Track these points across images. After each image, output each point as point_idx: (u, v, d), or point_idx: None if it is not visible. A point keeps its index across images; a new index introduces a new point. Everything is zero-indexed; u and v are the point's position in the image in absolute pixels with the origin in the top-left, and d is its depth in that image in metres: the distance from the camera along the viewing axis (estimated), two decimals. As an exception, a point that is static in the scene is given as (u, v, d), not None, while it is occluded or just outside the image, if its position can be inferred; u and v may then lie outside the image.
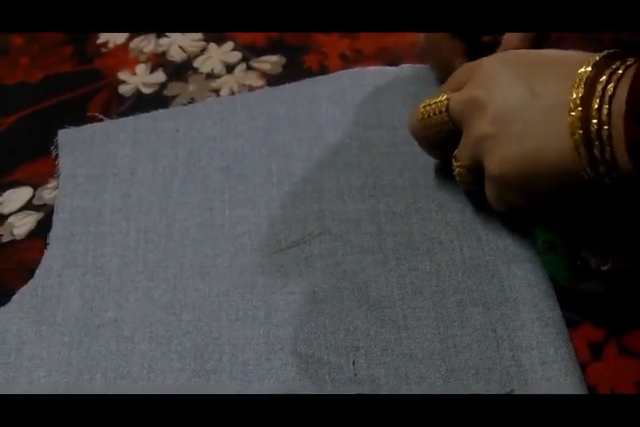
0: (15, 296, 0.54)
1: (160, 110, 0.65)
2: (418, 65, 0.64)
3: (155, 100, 0.67)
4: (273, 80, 0.67)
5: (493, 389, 0.46)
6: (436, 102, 0.51)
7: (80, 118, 0.66)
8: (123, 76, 0.70)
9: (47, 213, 0.60)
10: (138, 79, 0.70)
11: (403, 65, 0.65)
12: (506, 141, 0.44)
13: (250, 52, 0.70)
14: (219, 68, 0.69)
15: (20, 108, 0.69)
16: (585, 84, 0.40)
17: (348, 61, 0.67)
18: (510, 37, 0.54)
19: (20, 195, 0.62)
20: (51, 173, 0.63)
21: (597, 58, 0.41)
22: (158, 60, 0.71)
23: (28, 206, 0.61)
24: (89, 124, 0.65)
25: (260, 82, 0.67)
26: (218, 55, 0.70)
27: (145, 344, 0.51)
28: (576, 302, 0.49)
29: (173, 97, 0.67)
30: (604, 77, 0.40)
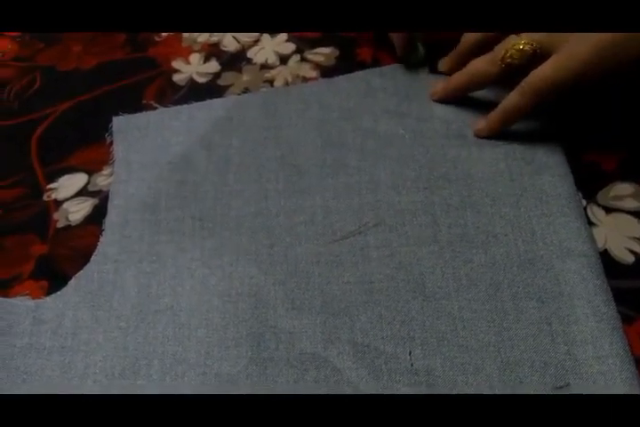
0: (71, 281, 0.55)
1: (214, 99, 0.66)
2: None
3: (209, 90, 0.68)
4: (326, 72, 0.67)
5: (548, 382, 0.46)
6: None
7: (135, 106, 0.67)
8: (177, 64, 0.71)
9: (102, 199, 0.60)
10: (192, 68, 0.70)
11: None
12: None
13: (303, 44, 0.70)
14: (273, 59, 0.69)
15: (74, 95, 0.69)
16: None
17: (400, 55, 0.67)
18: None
19: (75, 181, 0.62)
20: (105, 159, 0.63)
21: None
22: (212, 50, 0.72)
23: (83, 192, 0.61)
24: (143, 112, 0.66)
25: (313, 73, 0.67)
26: (271, 46, 0.71)
27: (202, 331, 0.51)
28: (631, 298, 0.49)
29: (227, 86, 0.68)
30: None
